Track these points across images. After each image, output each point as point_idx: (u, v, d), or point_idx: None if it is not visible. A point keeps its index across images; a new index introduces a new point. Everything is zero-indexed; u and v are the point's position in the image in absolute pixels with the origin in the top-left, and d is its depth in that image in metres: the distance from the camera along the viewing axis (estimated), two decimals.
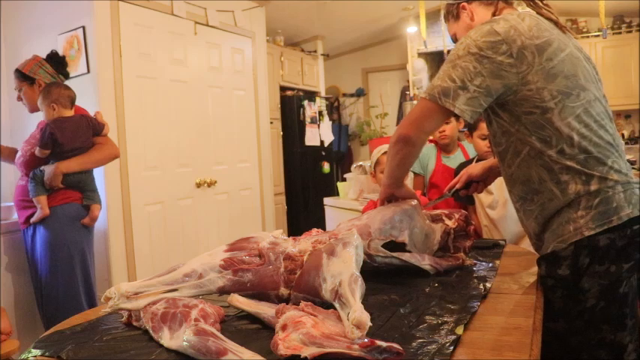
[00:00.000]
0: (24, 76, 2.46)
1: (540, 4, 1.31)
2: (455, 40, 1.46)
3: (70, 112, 2.40)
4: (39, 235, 2.36)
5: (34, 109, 2.51)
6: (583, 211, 1.16)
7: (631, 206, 1.15)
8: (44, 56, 2.53)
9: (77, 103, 2.59)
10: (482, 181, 1.63)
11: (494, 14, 1.34)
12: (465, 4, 1.39)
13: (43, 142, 2.29)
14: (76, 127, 2.37)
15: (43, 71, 2.48)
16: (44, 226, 2.34)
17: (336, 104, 6.82)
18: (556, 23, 1.27)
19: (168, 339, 0.91)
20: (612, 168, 1.18)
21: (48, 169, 2.30)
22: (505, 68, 1.16)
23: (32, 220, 2.34)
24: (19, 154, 2.44)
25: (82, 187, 2.42)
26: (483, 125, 2.15)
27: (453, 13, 1.44)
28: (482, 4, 1.37)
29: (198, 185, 3.60)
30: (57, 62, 2.53)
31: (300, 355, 0.77)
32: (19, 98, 2.50)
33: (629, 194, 1.16)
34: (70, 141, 2.34)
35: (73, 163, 2.34)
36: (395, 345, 0.77)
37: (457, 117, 2.46)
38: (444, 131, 2.68)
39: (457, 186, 1.64)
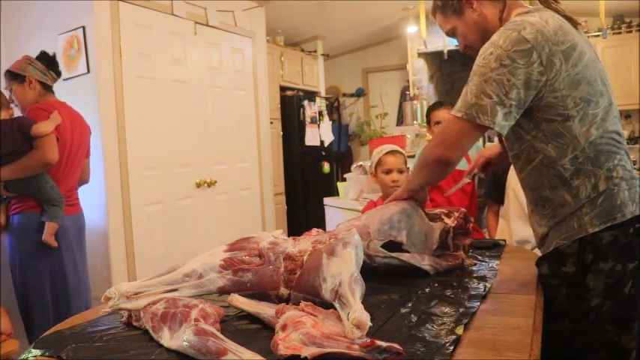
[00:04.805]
0: (13, 75, 2.40)
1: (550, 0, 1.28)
2: (452, 34, 1.40)
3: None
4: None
5: (25, 108, 2.48)
6: (587, 208, 1.17)
7: (635, 204, 1.16)
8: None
9: (77, 103, 2.59)
10: (497, 162, 1.61)
11: (502, 10, 1.30)
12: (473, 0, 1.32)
13: None
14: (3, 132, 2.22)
15: (33, 68, 2.39)
16: (6, 236, 2.32)
17: (336, 104, 6.82)
18: (569, 19, 1.25)
19: (168, 339, 0.91)
20: (619, 164, 1.19)
21: None
22: (536, 78, 1.14)
23: None
24: None
25: (37, 196, 2.29)
26: None
27: (454, 8, 1.35)
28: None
29: (198, 185, 3.60)
30: (47, 61, 2.45)
31: (300, 355, 0.77)
32: (11, 99, 2.44)
33: (633, 192, 1.17)
34: None
35: (4, 171, 2.21)
36: (395, 345, 0.77)
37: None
38: None
39: (476, 170, 1.63)
